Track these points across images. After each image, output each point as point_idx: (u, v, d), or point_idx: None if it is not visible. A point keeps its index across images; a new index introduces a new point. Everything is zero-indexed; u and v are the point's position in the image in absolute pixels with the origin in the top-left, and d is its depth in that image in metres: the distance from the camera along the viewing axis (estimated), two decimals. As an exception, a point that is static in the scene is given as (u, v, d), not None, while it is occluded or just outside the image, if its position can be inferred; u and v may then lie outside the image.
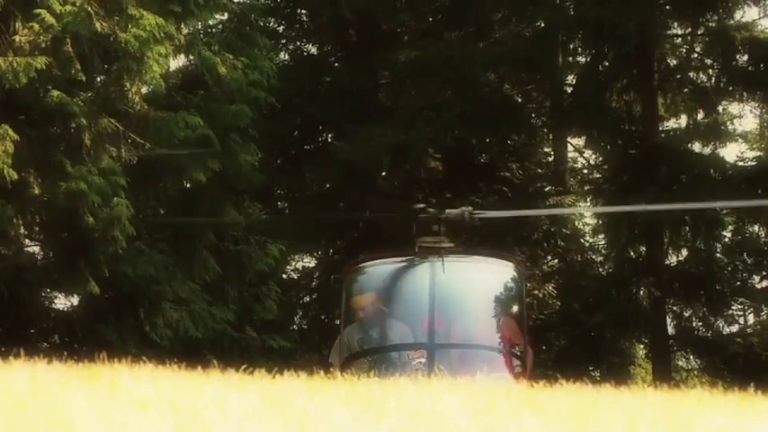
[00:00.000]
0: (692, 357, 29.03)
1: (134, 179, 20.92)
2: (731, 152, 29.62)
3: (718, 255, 27.90)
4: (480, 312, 15.29)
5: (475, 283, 15.52)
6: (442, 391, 8.04)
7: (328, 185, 30.29)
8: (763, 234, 27.92)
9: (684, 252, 28.10)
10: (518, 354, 14.83)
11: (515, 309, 15.42)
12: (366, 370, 14.28)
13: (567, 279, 28.16)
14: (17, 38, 19.88)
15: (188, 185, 22.51)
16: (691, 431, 6.50)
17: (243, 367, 9.23)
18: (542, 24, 28.54)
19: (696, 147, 28.75)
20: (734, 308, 28.29)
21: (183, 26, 22.20)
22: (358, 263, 15.90)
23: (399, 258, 15.44)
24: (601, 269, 28.99)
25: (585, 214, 30.06)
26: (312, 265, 31.95)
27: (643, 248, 28.01)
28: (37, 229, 21.98)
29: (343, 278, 15.52)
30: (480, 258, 15.92)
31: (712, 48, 28.11)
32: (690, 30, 28.45)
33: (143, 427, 5.17)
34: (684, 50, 28.89)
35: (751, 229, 28.01)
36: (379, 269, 15.65)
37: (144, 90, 21.22)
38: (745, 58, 27.75)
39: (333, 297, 20.58)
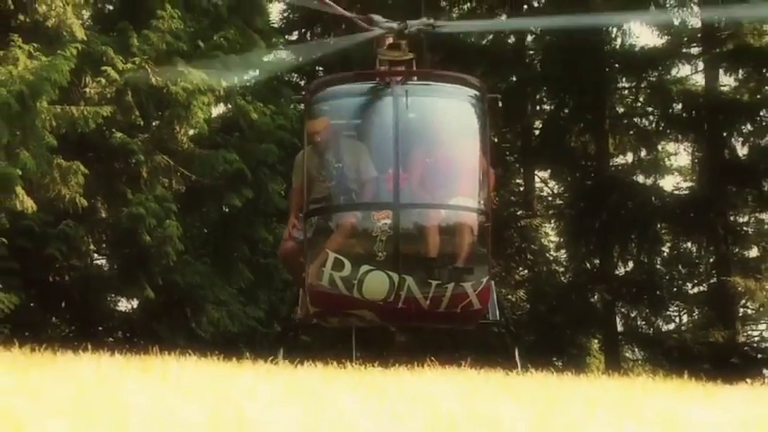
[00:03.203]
0: (637, 350, 28.91)
1: (183, 205, 20.92)
2: (669, 183, 29.65)
3: (658, 266, 27.82)
4: (445, 145, 12.30)
5: (439, 115, 12.51)
6: (435, 379, 7.96)
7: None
8: (694, 250, 27.87)
9: (631, 264, 28.03)
10: (482, 184, 12.04)
11: (479, 134, 12.28)
12: (328, 224, 11.83)
13: (535, 286, 28.07)
14: (87, 90, 19.91)
15: (226, 210, 22.46)
16: (638, 411, 6.41)
17: (270, 358, 9.15)
18: (514, 79, 28.51)
19: (640, 179, 28.75)
20: (671, 309, 28.20)
21: (222, 80, 22.19)
22: (319, 84, 12.87)
23: (362, 83, 12.46)
24: (562, 278, 28.89)
25: (549, 232, 29.96)
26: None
27: (597, 261, 27.94)
28: (104, 245, 21.97)
29: (304, 98, 12.61)
30: (443, 85, 12.63)
31: (653, 98, 28.12)
32: (635, 83, 28.45)
33: (187, 410, 5.09)
34: (630, 100, 28.88)
35: (685, 246, 27.96)
36: (340, 99, 12.62)
37: (191, 132, 21.22)
38: (680, 106, 27.77)
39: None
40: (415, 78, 12.32)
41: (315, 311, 11.72)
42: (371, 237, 11.31)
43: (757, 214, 27.72)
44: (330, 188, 11.99)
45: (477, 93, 12.38)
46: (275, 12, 28.52)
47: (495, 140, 29.79)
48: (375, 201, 11.74)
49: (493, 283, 12.00)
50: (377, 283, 11.25)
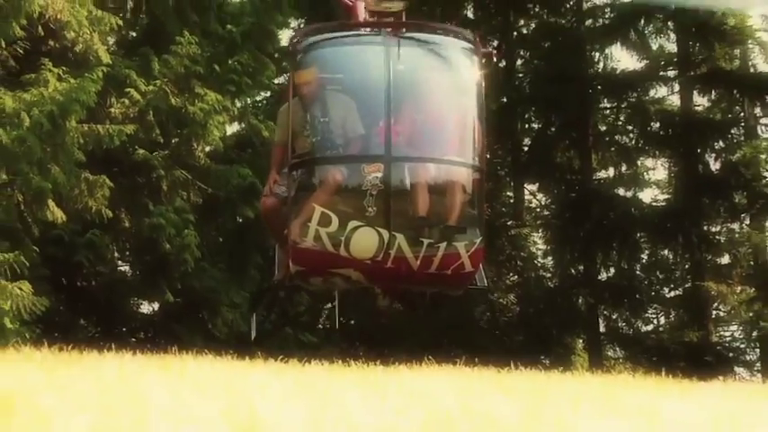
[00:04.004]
0: (618, 349, 28.84)
1: (200, 216, 20.89)
2: (647, 195, 29.64)
3: (637, 272, 27.79)
4: (439, 98, 10.76)
5: (433, 68, 10.83)
6: (432, 376, 7.94)
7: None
8: (671, 257, 27.84)
9: (612, 270, 27.99)
10: (477, 140, 10.57)
11: (474, 88, 10.73)
12: (315, 178, 10.32)
13: (524, 290, 28.04)
14: (112, 110, 19.90)
15: (240, 220, 22.43)
16: (620, 405, 6.39)
17: (280, 357, 9.11)
18: (505, 100, 28.50)
19: (621, 191, 28.74)
20: (649, 312, 28.16)
21: (236, 101, 22.19)
22: (307, 32, 11.10)
23: (352, 33, 10.97)
24: (549, 283, 28.83)
25: (537, 240, 29.93)
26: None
27: (581, 267, 27.91)
28: (127, 253, 21.95)
29: (291, 48, 10.80)
30: (436, 37, 10.88)
31: (633, 117, 28.12)
32: (616, 103, 28.46)
33: (203, 405, 5.06)
34: (612, 119, 28.88)
35: (662, 253, 27.93)
36: (330, 48, 10.87)
37: (207, 149, 21.20)
38: (657, 125, 27.80)
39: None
40: (405, 30, 10.77)
41: (297, 271, 10.14)
42: (361, 191, 9.89)
43: (728, 224, 27.71)
44: (318, 141, 10.40)
45: (471, 46, 10.85)
46: (285, 38, 28.53)
47: (488, 156, 29.80)
48: (365, 153, 10.24)
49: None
50: (365, 241, 9.84)
